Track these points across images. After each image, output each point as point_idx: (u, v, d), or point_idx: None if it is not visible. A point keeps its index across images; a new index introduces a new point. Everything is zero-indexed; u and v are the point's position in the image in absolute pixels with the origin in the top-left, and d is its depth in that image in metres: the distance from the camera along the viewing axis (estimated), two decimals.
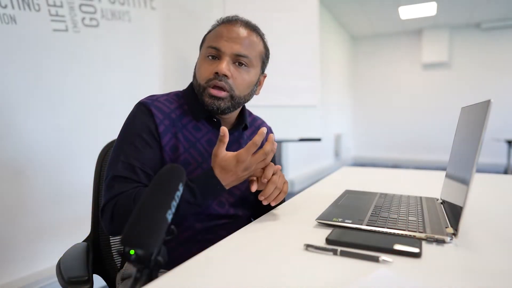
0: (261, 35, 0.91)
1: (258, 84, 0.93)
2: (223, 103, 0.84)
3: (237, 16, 0.89)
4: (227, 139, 0.72)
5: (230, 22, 0.87)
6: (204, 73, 0.85)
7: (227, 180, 0.73)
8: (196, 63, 0.91)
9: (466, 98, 6.07)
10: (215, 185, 0.73)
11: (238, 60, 0.84)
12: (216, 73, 0.82)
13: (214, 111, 0.85)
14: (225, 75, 0.82)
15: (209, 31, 0.90)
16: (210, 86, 0.83)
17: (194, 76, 0.89)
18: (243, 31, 0.85)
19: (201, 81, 0.85)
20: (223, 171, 0.72)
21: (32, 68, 1.61)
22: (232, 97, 0.85)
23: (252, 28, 0.88)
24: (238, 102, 0.87)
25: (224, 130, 0.72)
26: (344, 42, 6.56)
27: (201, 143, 0.87)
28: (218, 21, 0.89)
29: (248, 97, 0.90)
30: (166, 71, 2.34)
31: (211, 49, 0.84)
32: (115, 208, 0.74)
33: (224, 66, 0.82)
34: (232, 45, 0.83)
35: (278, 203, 0.92)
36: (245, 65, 0.86)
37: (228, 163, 0.71)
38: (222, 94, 0.83)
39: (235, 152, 0.73)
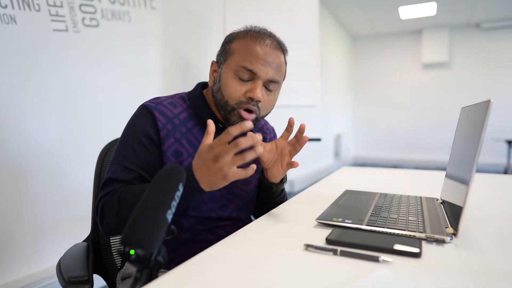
0: (285, 54, 0.89)
1: None
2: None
3: (265, 29, 0.87)
4: (212, 129, 0.68)
5: (261, 38, 0.83)
6: (235, 94, 0.82)
7: (200, 171, 0.66)
8: (218, 72, 0.86)
9: (466, 98, 6.08)
10: (188, 176, 0.66)
11: (269, 86, 0.84)
12: (250, 98, 0.81)
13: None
14: (259, 101, 0.82)
15: (235, 37, 0.85)
16: (242, 108, 0.82)
17: (218, 89, 0.85)
18: (276, 54, 0.83)
19: (231, 101, 0.82)
20: (197, 159, 0.67)
21: (32, 68, 1.61)
22: (257, 118, 0.85)
23: (281, 48, 0.87)
24: (258, 120, 0.88)
25: (210, 122, 0.68)
26: (344, 42, 6.56)
27: None
28: (246, 29, 0.86)
29: (267, 115, 0.91)
30: (166, 71, 2.33)
31: (245, 71, 0.81)
32: (103, 207, 0.76)
33: (259, 91, 0.80)
34: (268, 71, 0.81)
35: (279, 199, 0.93)
36: (272, 89, 0.86)
37: (202, 149, 0.66)
38: (252, 116, 0.83)
39: None
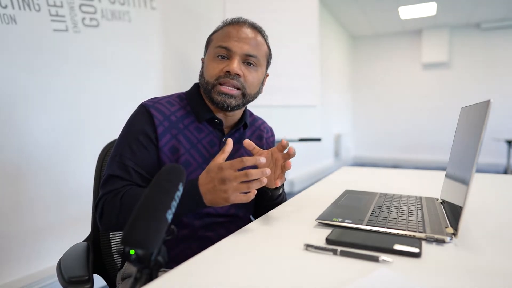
0: (265, 37, 0.93)
1: (262, 83, 0.95)
2: (235, 101, 0.85)
3: (242, 17, 0.91)
4: (229, 149, 0.72)
5: (237, 23, 0.88)
6: (213, 71, 0.85)
7: (205, 187, 0.69)
8: (203, 63, 0.91)
9: (466, 98, 6.08)
10: (193, 190, 0.69)
11: (247, 60, 0.86)
12: (228, 72, 0.83)
13: (224, 108, 0.85)
14: (237, 74, 0.84)
15: (215, 32, 0.91)
16: (220, 84, 0.84)
17: (202, 75, 0.90)
18: (250, 32, 0.87)
19: (210, 78, 0.86)
20: (205, 174, 0.70)
21: (32, 68, 1.61)
22: (243, 94, 0.87)
23: (258, 30, 0.91)
24: (248, 100, 0.89)
25: (229, 142, 0.73)
26: (344, 42, 6.56)
27: (202, 144, 0.87)
28: (223, 22, 0.91)
29: (256, 95, 0.93)
30: (166, 71, 2.33)
31: (220, 49, 0.85)
32: (104, 205, 0.77)
33: (236, 65, 0.83)
34: (242, 45, 0.85)
35: (278, 200, 0.93)
36: (253, 65, 0.88)
37: (212, 167, 0.69)
38: (235, 92, 0.85)
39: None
